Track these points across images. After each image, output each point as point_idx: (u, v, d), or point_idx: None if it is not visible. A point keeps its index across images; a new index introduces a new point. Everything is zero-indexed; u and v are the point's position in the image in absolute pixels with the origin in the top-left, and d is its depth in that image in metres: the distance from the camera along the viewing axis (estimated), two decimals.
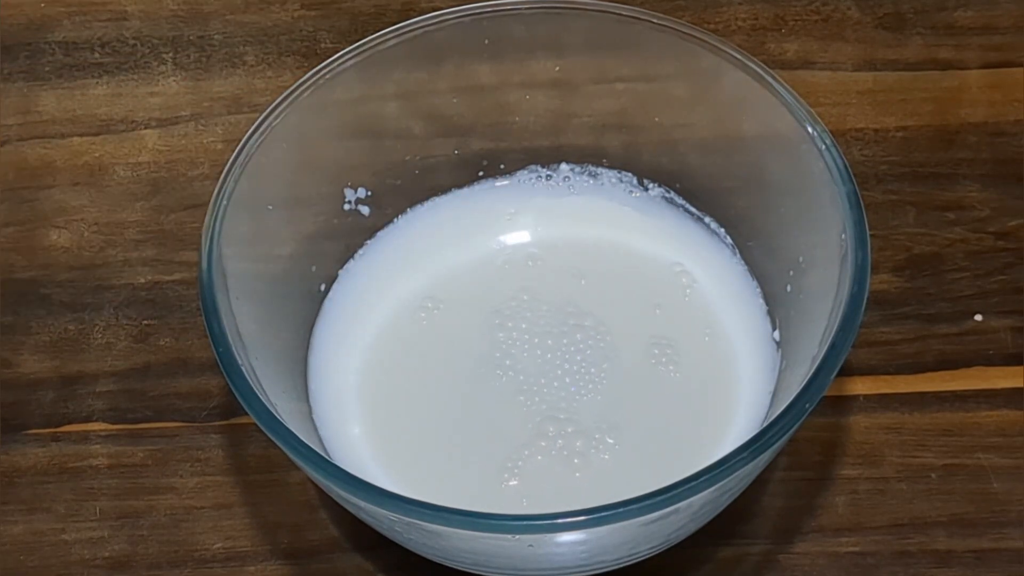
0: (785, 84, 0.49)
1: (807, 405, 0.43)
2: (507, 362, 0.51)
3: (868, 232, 0.46)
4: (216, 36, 0.64)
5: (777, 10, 0.63)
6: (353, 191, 0.53)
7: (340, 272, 0.53)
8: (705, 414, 0.50)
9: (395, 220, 0.54)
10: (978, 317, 0.55)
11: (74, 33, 0.64)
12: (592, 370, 0.51)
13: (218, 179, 0.48)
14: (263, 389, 0.45)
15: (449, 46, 0.52)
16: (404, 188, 0.54)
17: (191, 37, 0.64)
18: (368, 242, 0.54)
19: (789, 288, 0.50)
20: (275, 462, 0.52)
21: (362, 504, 0.43)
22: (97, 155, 0.61)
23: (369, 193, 0.54)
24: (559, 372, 0.51)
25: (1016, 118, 0.60)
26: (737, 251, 0.53)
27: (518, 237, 0.55)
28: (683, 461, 0.45)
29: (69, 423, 0.54)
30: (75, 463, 0.53)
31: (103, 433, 0.54)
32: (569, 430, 0.49)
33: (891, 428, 0.53)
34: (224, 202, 0.47)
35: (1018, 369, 0.54)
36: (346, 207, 0.53)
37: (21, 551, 0.52)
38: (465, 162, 0.55)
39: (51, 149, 0.61)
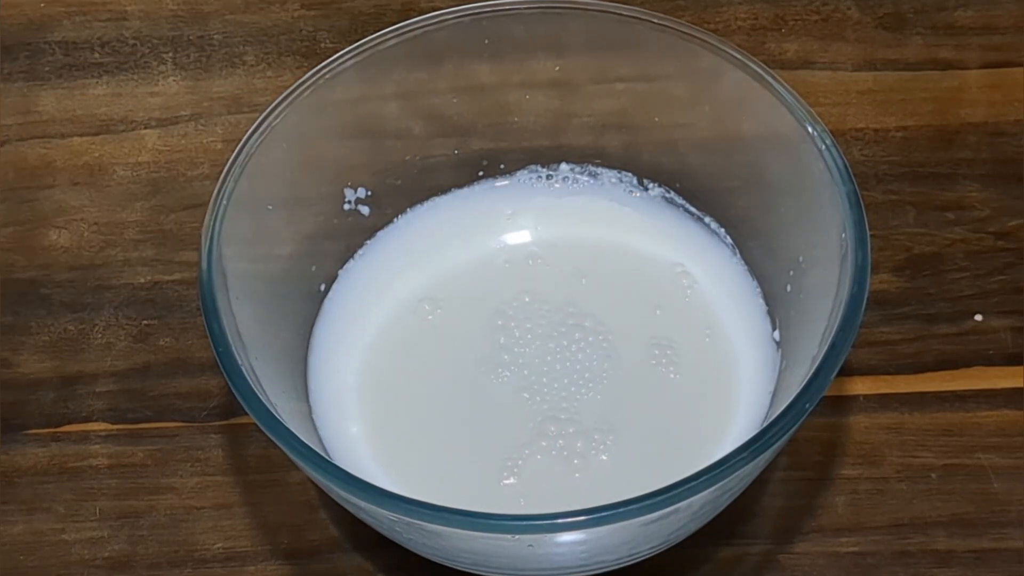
0: (785, 84, 0.49)
1: (807, 405, 0.43)
2: (507, 362, 0.51)
3: (868, 232, 0.46)
4: (216, 36, 0.64)
5: (777, 10, 0.63)
6: (353, 191, 0.53)
7: (340, 272, 0.53)
8: (705, 414, 0.50)
9: (395, 220, 0.54)
10: (978, 317, 0.55)
11: (74, 33, 0.64)
12: (592, 370, 0.51)
13: (218, 179, 0.48)
14: (263, 389, 0.45)
15: (449, 46, 0.52)
16: (404, 188, 0.54)
17: (191, 37, 0.64)
18: (368, 242, 0.54)
19: (789, 288, 0.50)
20: (275, 462, 0.52)
21: (362, 504, 0.43)
22: (97, 155, 0.61)
23: (369, 193, 0.54)
24: (559, 372, 0.51)
25: (1016, 118, 0.60)
26: (737, 251, 0.53)
27: (518, 237, 0.55)
28: (683, 461, 0.45)
29: (69, 423, 0.54)
30: (75, 463, 0.53)
31: (103, 433, 0.54)
32: (570, 430, 0.49)
33: (891, 428, 0.53)
34: (224, 202, 0.47)
35: (1018, 369, 0.54)
36: (346, 207, 0.53)
37: (21, 551, 0.52)
38: (465, 162, 0.55)
39: (51, 149, 0.61)
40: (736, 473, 0.42)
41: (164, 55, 0.63)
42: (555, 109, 0.54)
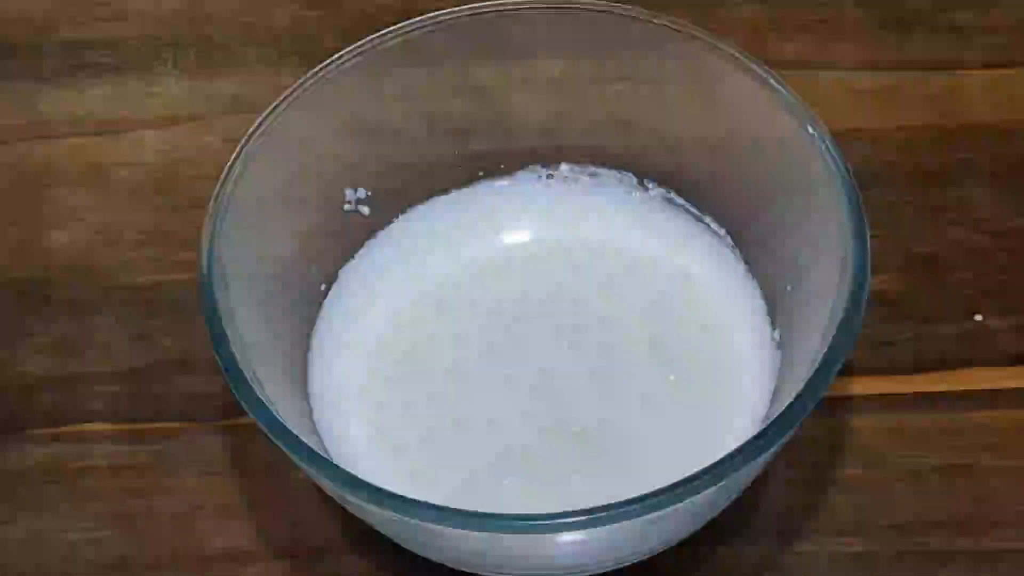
0: (785, 84, 0.49)
1: (807, 405, 0.43)
2: (507, 362, 0.51)
3: (868, 232, 0.46)
4: (217, 36, 0.64)
5: (777, 10, 0.63)
6: (353, 191, 0.53)
7: (340, 272, 0.53)
8: (705, 414, 0.50)
9: (395, 220, 0.54)
10: (979, 317, 0.55)
11: (74, 33, 0.64)
12: (593, 371, 0.51)
13: (218, 179, 0.48)
14: (263, 389, 0.45)
15: (449, 46, 0.52)
16: (404, 188, 0.54)
17: (192, 38, 0.64)
18: (368, 242, 0.54)
19: (789, 288, 0.50)
20: (275, 462, 0.52)
21: (362, 504, 0.43)
22: (97, 155, 0.61)
23: (369, 193, 0.54)
24: (559, 372, 0.51)
25: (1017, 118, 0.60)
26: (737, 251, 0.53)
27: (518, 237, 0.55)
28: (683, 461, 0.45)
29: (70, 423, 0.54)
30: (76, 463, 0.53)
31: (104, 433, 0.54)
32: (572, 430, 0.49)
33: (891, 428, 0.53)
34: (224, 202, 0.47)
35: (1019, 369, 0.54)
36: (346, 207, 0.53)
37: (22, 552, 0.52)
38: (465, 162, 0.55)
39: (52, 149, 0.61)
40: (736, 473, 0.42)
41: (165, 55, 0.63)
42: (555, 109, 0.54)
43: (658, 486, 0.41)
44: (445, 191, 0.55)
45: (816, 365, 0.44)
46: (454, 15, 0.51)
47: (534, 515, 0.42)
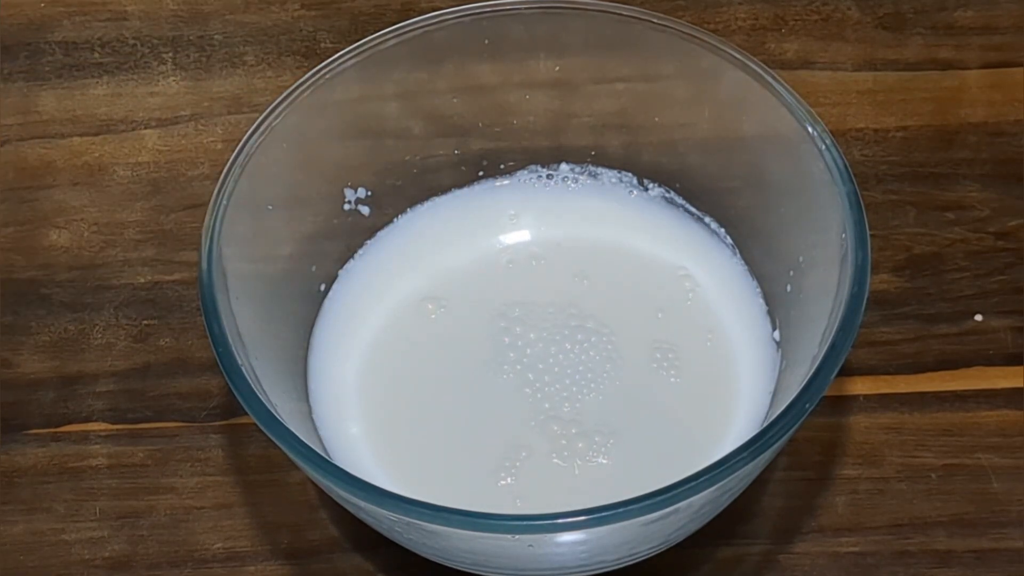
0: (785, 84, 0.49)
1: (807, 405, 0.43)
2: (507, 362, 0.51)
3: (868, 232, 0.46)
4: (216, 36, 0.64)
5: (777, 10, 0.63)
6: (353, 191, 0.53)
7: (340, 272, 0.53)
8: (705, 414, 0.50)
9: (395, 220, 0.54)
10: (978, 317, 0.55)
11: (74, 33, 0.64)
12: (593, 371, 0.51)
13: (218, 179, 0.48)
14: (263, 389, 0.45)
15: (449, 46, 0.52)
16: (404, 188, 0.54)
17: (191, 37, 0.64)
18: (368, 242, 0.54)
19: (789, 288, 0.50)
20: (275, 462, 0.52)
21: (362, 504, 0.43)
22: (97, 155, 0.61)
23: (369, 193, 0.54)
24: (560, 373, 0.51)
25: (1016, 118, 0.60)
26: (737, 251, 0.53)
27: (518, 237, 0.55)
28: (683, 461, 0.45)
29: (69, 423, 0.54)
30: (75, 463, 0.53)
31: (103, 433, 0.54)
32: (571, 431, 0.49)
33: (891, 428, 0.53)
34: (224, 202, 0.47)
35: (1018, 369, 0.54)
36: (346, 207, 0.53)
37: (21, 551, 0.52)
38: (465, 162, 0.55)
39: (51, 149, 0.61)
40: (736, 473, 0.42)
41: (164, 55, 0.63)
42: (555, 109, 0.54)
43: (658, 486, 0.41)
44: (445, 191, 0.55)
45: (816, 365, 0.44)
46: (454, 15, 0.51)
47: (534, 515, 0.42)
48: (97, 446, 0.53)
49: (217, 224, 0.47)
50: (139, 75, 0.63)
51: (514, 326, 0.52)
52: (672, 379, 0.50)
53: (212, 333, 0.45)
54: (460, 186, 0.55)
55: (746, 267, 0.53)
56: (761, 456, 0.43)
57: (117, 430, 0.54)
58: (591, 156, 0.55)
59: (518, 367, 0.51)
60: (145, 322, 0.56)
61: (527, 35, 0.52)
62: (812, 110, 0.48)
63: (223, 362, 0.45)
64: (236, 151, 0.48)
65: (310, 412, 0.50)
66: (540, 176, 0.55)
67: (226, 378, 0.44)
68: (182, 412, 0.54)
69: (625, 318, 0.52)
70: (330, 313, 0.53)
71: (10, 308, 0.57)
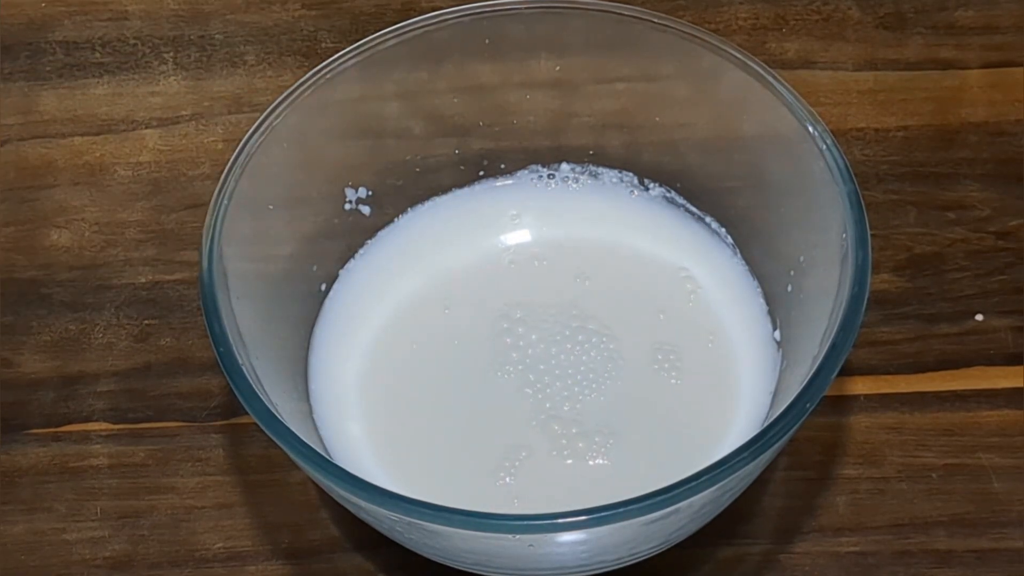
0: (786, 84, 0.49)
1: (808, 405, 0.43)
2: (508, 362, 0.51)
3: (869, 232, 0.46)
4: (217, 36, 0.64)
5: (778, 10, 0.63)
6: (354, 191, 0.53)
7: (341, 272, 0.54)
8: (706, 414, 0.50)
9: (396, 220, 0.55)
10: (979, 317, 0.55)
11: (75, 33, 0.64)
12: (595, 371, 0.51)
13: (219, 179, 0.48)
14: (264, 389, 0.45)
15: (449, 46, 0.52)
16: (405, 188, 0.54)
17: (192, 37, 0.64)
18: (369, 242, 0.54)
19: (790, 288, 0.50)
20: (276, 462, 0.52)
21: (362, 504, 0.43)
22: (98, 155, 0.61)
23: (370, 193, 0.54)
24: (561, 372, 0.51)
25: (1016, 118, 0.60)
26: (738, 251, 0.53)
27: (519, 237, 0.55)
28: (684, 461, 0.45)
29: (70, 423, 0.54)
30: (76, 463, 0.53)
31: (104, 433, 0.54)
32: (572, 431, 0.49)
33: (892, 428, 0.53)
34: (225, 202, 0.48)
35: (1018, 369, 0.54)
36: (347, 207, 0.53)
37: (22, 551, 0.52)
38: (466, 162, 0.55)
39: (52, 149, 0.61)
40: (737, 473, 0.42)
41: (165, 55, 0.64)
42: (556, 109, 0.54)
43: (659, 486, 0.42)
44: (445, 191, 0.55)
45: (816, 365, 0.44)
46: (454, 15, 0.51)
47: (534, 515, 0.42)
48: (98, 446, 0.54)
49: (218, 224, 0.47)
50: (140, 75, 0.63)
51: (515, 326, 0.52)
52: (673, 379, 0.51)
53: (213, 333, 0.45)
54: (461, 186, 0.55)
55: (747, 267, 0.53)
56: (762, 456, 0.43)
57: (118, 430, 0.54)
58: (592, 156, 0.55)
59: (519, 367, 0.51)
60: (146, 322, 0.56)
61: (527, 35, 0.52)
62: (813, 110, 0.48)
63: (224, 362, 0.45)
64: (237, 151, 0.49)
65: (311, 412, 0.50)
66: (541, 176, 0.55)
67: (227, 378, 0.44)
68: (183, 412, 0.54)
69: (626, 318, 0.52)
70: (331, 313, 0.53)
71: (11, 308, 0.57)
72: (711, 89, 0.51)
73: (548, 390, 0.50)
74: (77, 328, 0.56)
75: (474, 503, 0.43)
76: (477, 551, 0.45)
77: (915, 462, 0.52)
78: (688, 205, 0.54)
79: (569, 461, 0.49)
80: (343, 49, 0.51)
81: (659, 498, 0.41)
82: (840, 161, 0.47)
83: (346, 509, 0.47)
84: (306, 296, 0.52)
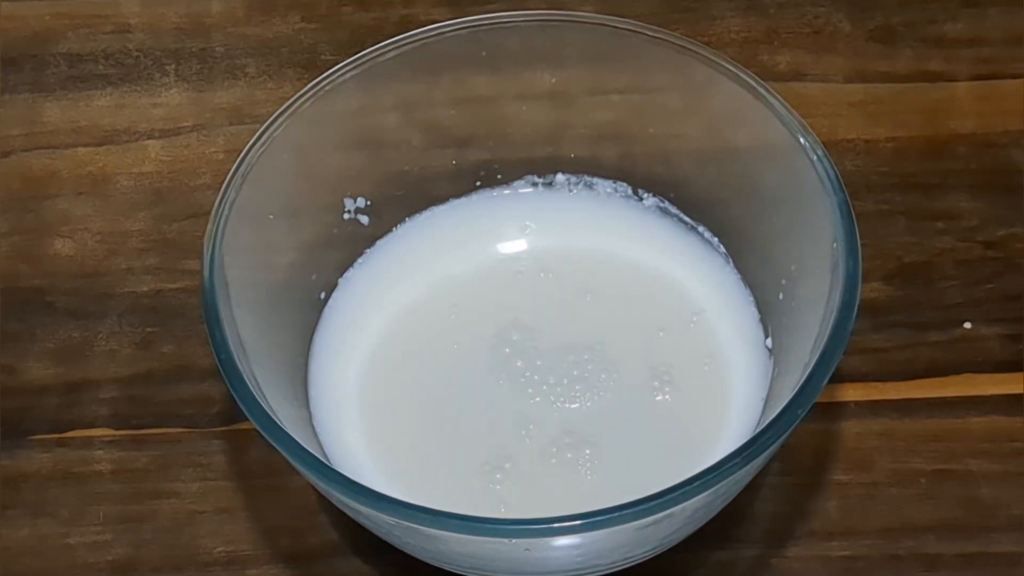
0: (777, 96, 0.49)
1: (799, 411, 0.43)
2: (505, 370, 0.51)
3: (859, 241, 0.46)
4: (218, 48, 0.64)
5: (769, 23, 0.64)
6: (353, 201, 0.54)
7: (340, 280, 0.54)
8: (698, 420, 0.50)
9: (394, 229, 0.55)
10: (967, 325, 0.55)
11: (78, 45, 0.64)
12: (588, 380, 0.51)
13: (220, 189, 0.48)
14: (264, 395, 0.45)
15: (447, 58, 0.52)
16: (403, 198, 0.55)
17: (193, 49, 0.64)
18: (368, 251, 0.54)
19: (781, 296, 0.51)
20: (276, 467, 0.53)
21: (361, 508, 0.43)
22: (101, 165, 0.61)
23: (368, 203, 0.54)
24: (555, 380, 0.51)
25: (1005, 129, 0.60)
26: (731, 260, 0.53)
27: (515, 246, 0.55)
28: (677, 466, 0.45)
29: (73, 429, 0.54)
30: (79, 468, 0.53)
31: (107, 439, 0.54)
32: (566, 440, 0.49)
33: (882, 434, 0.53)
34: (226, 211, 0.48)
35: (1006, 376, 0.54)
36: (346, 216, 0.54)
37: (26, 555, 0.52)
38: (463, 172, 0.55)
39: (55, 159, 0.61)
40: (729, 478, 0.42)
41: (167, 67, 0.64)
42: (551, 120, 0.55)
43: (652, 491, 0.42)
44: (443, 201, 0.55)
45: (808, 372, 0.44)
46: (452, 27, 0.52)
47: (530, 519, 0.42)
48: (101, 451, 0.54)
49: (219, 233, 0.47)
50: (142, 87, 0.63)
51: (512, 334, 0.52)
52: (666, 386, 0.51)
53: (214, 340, 0.45)
54: (458, 196, 0.55)
55: (739, 276, 0.53)
56: (754, 461, 0.43)
57: (120, 436, 0.54)
58: (587, 166, 0.55)
59: (514, 374, 0.51)
60: (148, 329, 0.56)
61: (524, 47, 0.52)
62: (804, 121, 0.48)
63: (225, 369, 0.45)
64: (237, 161, 0.49)
65: (310, 418, 0.50)
66: (536, 186, 0.56)
67: (228, 384, 0.45)
68: (184, 418, 0.54)
69: (620, 328, 0.52)
70: (330, 320, 0.53)
71: (15, 316, 0.57)
72: (704, 101, 0.51)
73: (542, 397, 0.50)
74: (80, 336, 0.56)
75: (470, 509, 0.43)
76: (473, 555, 0.45)
77: (905, 468, 0.52)
78: (681, 215, 0.54)
79: (566, 467, 0.49)
80: (342, 61, 0.51)
81: (653, 503, 0.42)
82: (831, 172, 0.47)
83: (345, 514, 0.47)
84: (306, 304, 0.53)
